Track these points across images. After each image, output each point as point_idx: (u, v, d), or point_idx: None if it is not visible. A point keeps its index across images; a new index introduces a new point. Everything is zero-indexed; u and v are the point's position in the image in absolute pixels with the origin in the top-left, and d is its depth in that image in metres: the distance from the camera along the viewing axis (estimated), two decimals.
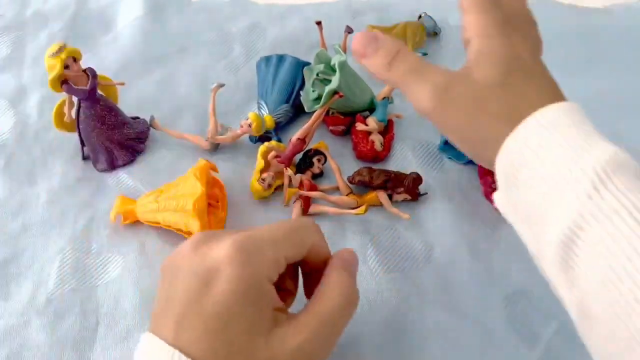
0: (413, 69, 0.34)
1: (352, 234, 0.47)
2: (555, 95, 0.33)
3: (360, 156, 0.52)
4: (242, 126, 0.51)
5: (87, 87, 0.48)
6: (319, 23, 0.55)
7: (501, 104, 0.33)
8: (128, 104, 0.55)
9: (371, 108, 0.54)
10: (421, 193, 0.49)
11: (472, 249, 0.46)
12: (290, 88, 0.54)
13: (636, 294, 0.25)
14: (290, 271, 0.35)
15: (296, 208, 0.48)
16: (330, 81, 0.50)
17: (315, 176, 0.51)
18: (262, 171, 0.49)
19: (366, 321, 0.42)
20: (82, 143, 0.52)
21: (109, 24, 0.66)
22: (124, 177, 0.51)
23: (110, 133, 0.51)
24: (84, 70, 0.48)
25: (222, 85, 0.52)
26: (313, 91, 0.52)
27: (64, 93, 0.48)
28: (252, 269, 0.31)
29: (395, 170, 0.49)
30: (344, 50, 0.55)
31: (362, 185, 0.49)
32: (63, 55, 0.46)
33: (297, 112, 0.55)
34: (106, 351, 0.41)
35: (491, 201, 0.42)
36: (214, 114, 0.52)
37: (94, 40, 0.64)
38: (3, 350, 0.41)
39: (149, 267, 0.45)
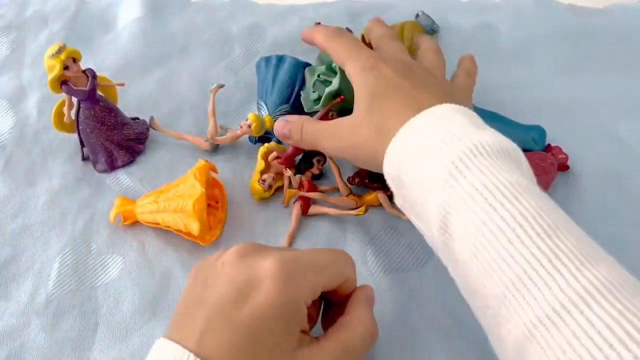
0: (313, 131, 0.44)
1: (352, 234, 0.47)
2: (421, 105, 0.38)
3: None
4: (241, 127, 0.51)
5: (87, 88, 0.48)
6: (318, 24, 0.55)
7: (370, 127, 0.39)
8: (128, 105, 0.55)
9: None
10: None
11: None
12: (290, 89, 0.54)
13: (492, 266, 0.30)
14: (316, 299, 0.36)
15: (296, 209, 0.48)
16: (330, 82, 0.50)
17: (315, 177, 0.51)
18: (262, 172, 0.49)
19: None
20: (82, 144, 0.52)
21: (108, 24, 0.66)
22: (123, 178, 0.51)
23: (109, 134, 0.51)
24: (84, 71, 0.48)
25: (221, 86, 0.52)
26: (313, 92, 0.52)
27: (63, 94, 0.48)
28: (292, 288, 0.32)
29: None
30: None
31: (361, 186, 0.49)
32: (63, 56, 0.46)
33: (297, 112, 0.55)
34: (105, 352, 0.41)
35: None
36: (213, 114, 0.52)
37: (94, 41, 0.64)
38: (3, 351, 0.41)
39: (148, 267, 0.45)
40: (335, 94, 0.49)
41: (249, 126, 0.50)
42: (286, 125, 0.45)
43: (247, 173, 0.51)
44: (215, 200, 0.49)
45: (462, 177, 0.32)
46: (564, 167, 0.50)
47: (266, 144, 0.50)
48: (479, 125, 0.36)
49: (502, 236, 0.30)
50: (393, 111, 0.39)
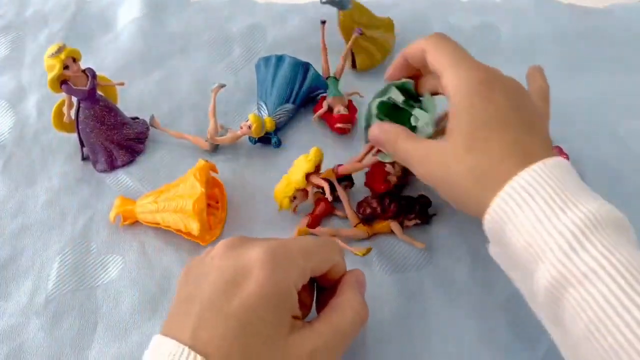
0: (405, 150, 0.39)
1: None
2: (531, 152, 0.34)
3: (370, 188, 0.49)
4: (241, 127, 0.51)
5: (87, 88, 0.48)
6: (324, 22, 0.55)
7: (468, 168, 0.35)
8: (128, 104, 0.55)
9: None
10: (431, 214, 0.47)
11: (474, 252, 0.46)
12: (290, 88, 0.54)
13: (616, 350, 0.27)
14: (307, 285, 0.36)
15: (301, 224, 0.47)
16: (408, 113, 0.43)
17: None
18: (298, 189, 0.47)
19: (368, 322, 0.42)
20: (82, 143, 0.52)
21: (108, 24, 0.65)
22: (123, 178, 0.51)
23: (109, 133, 0.51)
24: (84, 71, 0.48)
25: (223, 86, 0.52)
26: (381, 119, 0.44)
27: (63, 93, 0.48)
28: (281, 274, 0.32)
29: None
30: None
31: (372, 217, 0.47)
32: (62, 56, 0.46)
33: (297, 113, 0.55)
34: (105, 350, 0.41)
35: None
36: (214, 114, 0.51)
37: (94, 41, 0.64)
38: (2, 350, 0.41)
39: (148, 267, 0.45)
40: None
41: (249, 127, 0.50)
42: (381, 134, 0.41)
43: (247, 173, 0.51)
44: (215, 200, 0.49)
45: (583, 250, 0.29)
46: None
47: (310, 162, 0.46)
48: (585, 186, 0.33)
49: (628, 315, 0.27)
50: (498, 153, 0.34)
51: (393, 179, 0.47)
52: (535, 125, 0.36)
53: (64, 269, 0.45)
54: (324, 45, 0.56)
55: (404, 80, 0.43)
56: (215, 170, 0.49)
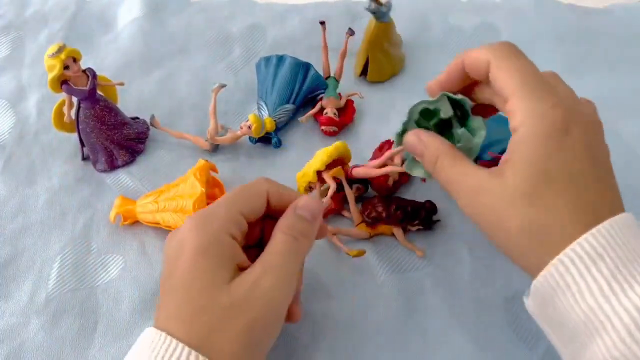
0: (445, 174, 0.34)
1: None
2: (599, 208, 0.30)
3: (371, 184, 0.49)
4: (241, 128, 0.51)
5: (87, 88, 0.48)
6: (322, 23, 0.55)
7: (523, 221, 0.30)
8: (128, 104, 0.55)
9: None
10: (435, 221, 0.47)
11: (474, 252, 0.46)
12: (290, 88, 0.54)
13: None
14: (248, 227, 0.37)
15: None
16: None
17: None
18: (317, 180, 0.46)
19: (367, 322, 0.42)
20: (82, 143, 0.52)
21: (108, 24, 0.66)
22: (123, 178, 0.51)
23: (109, 133, 0.51)
24: (84, 71, 0.48)
25: (223, 86, 0.52)
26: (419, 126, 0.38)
27: (63, 93, 0.48)
28: (207, 229, 0.33)
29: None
30: (344, 53, 0.55)
31: (377, 221, 0.46)
32: (63, 56, 0.46)
33: (302, 112, 0.55)
34: (105, 350, 0.41)
35: None
36: (214, 114, 0.52)
37: (94, 41, 0.64)
38: (3, 350, 0.41)
39: (148, 267, 0.45)
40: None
41: (249, 127, 0.50)
42: (420, 145, 0.35)
43: (247, 173, 0.51)
44: (215, 200, 0.49)
45: None
46: None
47: (321, 161, 0.45)
48: None
49: None
50: (566, 212, 0.30)
51: (395, 177, 0.48)
52: (608, 177, 0.31)
53: (64, 268, 0.45)
54: (325, 44, 0.56)
55: (461, 96, 0.36)
56: (215, 170, 0.49)
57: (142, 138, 0.53)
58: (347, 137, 0.54)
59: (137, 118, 0.55)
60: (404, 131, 0.37)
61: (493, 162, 0.44)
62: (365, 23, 0.57)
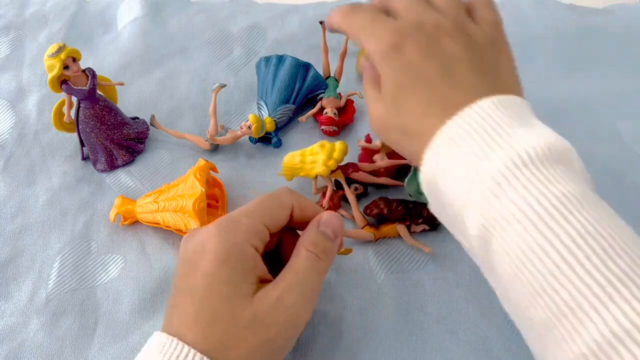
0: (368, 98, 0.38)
1: None
2: (451, 100, 0.33)
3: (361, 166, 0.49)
4: (241, 128, 0.51)
5: (87, 87, 0.48)
6: (322, 22, 0.55)
7: (398, 130, 0.35)
8: (128, 104, 0.55)
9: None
10: (439, 222, 0.47)
11: None
12: (290, 88, 0.54)
13: (537, 290, 0.28)
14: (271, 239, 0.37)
15: None
16: None
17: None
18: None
19: (367, 322, 0.42)
20: (82, 143, 0.52)
21: (108, 24, 0.66)
22: (123, 177, 0.51)
23: (109, 133, 0.51)
24: (84, 71, 0.48)
25: (224, 86, 0.52)
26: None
27: (63, 93, 0.48)
28: (230, 238, 0.33)
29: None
30: (344, 53, 0.55)
31: (379, 217, 0.46)
32: (62, 56, 0.46)
33: (302, 112, 0.55)
34: (105, 350, 0.41)
35: None
36: (214, 114, 0.52)
37: (94, 40, 0.64)
38: (2, 350, 0.41)
39: (148, 267, 0.45)
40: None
41: (249, 127, 0.50)
42: (362, 67, 0.40)
43: (247, 173, 0.51)
44: (215, 200, 0.49)
45: (503, 193, 0.29)
46: None
47: (326, 167, 0.45)
48: (525, 120, 0.32)
49: (548, 260, 0.27)
50: (420, 111, 0.34)
51: (379, 161, 0.48)
52: (457, 69, 0.34)
53: (64, 268, 0.45)
54: (325, 44, 0.56)
55: None
56: (215, 170, 0.49)
57: (142, 138, 0.53)
58: (346, 137, 0.54)
59: (137, 118, 0.55)
60: None
61: None
62: None
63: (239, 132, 0.51)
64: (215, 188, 0.49)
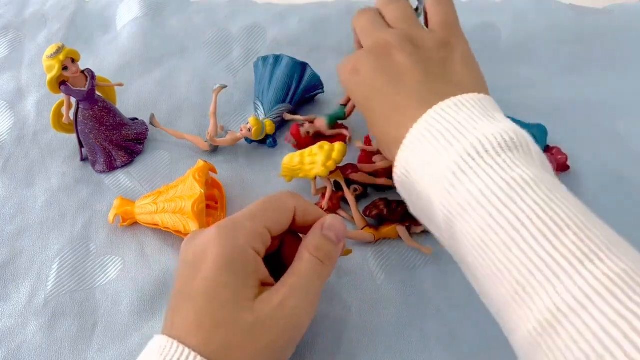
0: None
1: None
2: (406, 107, 0.36)
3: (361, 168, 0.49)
4: (241, 130, 0.50)
5: (86, 88, 0.48)
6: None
7: (378, 125, 0.38)
8: (127, 105, 0.55)
9: None
10: None
11: None
12: (287, 88, 0.54)
13: (494, 271, 0.29)
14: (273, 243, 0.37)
15: None
16: None
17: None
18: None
19: (366, 323, 0.42)
20: (81, 144, 0.52)
21: (108, 24, 0.65)
22: (122, 179, 0.51)
23: (108, 134, 0.51)
24: (83, 72, 0.48)
25: (224, 87, 0.52)
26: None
27: (62, 94, 0.48)
28: (231, 241, 0.33)
29: None
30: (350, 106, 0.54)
31: (379, 218, 0.47)
32: (61, 56, 0.45)
33: (300, 112, 0.55)
34: (104, 352, 0.41)
35: None
36: (214, 115, 0.51)
37: (93, 41, 0.63)
38: (1, 352, 0.41)
39: (147, 268, 0.45)
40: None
41: (249, 130, 0.50)
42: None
43: (246, 174, 0.51)
44: (214, 201, 0.49)
45: (459, 183, 0.31)
46: (564, 167, 0.49)
47: (325, 168, 0.45)
48: (484, 115, 0.34)
49: (499, 240, 0.29)
50: (383, 123, 0.38)
51: (378, 162, 0.48)
52: (406, 79, 0.37)
53: (62, 269, 0.45)
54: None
55: None
56: (214, 171, 0.49)
57: (141, 139, 0.53)
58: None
59: (136, 119, 0.54)
60: None
61: None
62: None
63: (238, 134, 0.51)
64: (214, 189, 0.49)
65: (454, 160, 0.32)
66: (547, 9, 0.65)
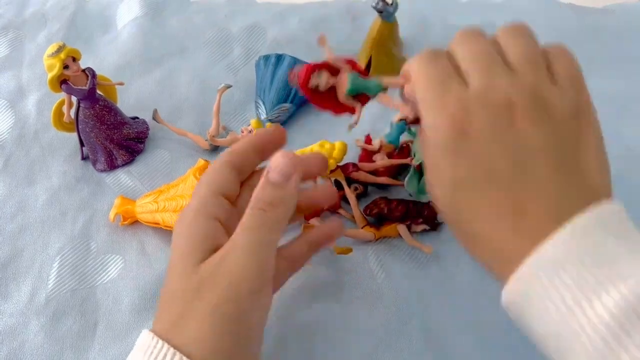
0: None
1: None
2: (529, 209, 0.26)
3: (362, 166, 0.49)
4: (242, 132, 0.50)
5: (86, 87, 0.48)
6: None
7: (453, 221, 0.29)
8: (127, 104, 0.55)
9: None
10: (440, 222, 0.46)
11: None
12: (288, 88, 0.54)
13: None
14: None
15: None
16: None
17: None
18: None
19: (367, 322, 0.42)
20: (81, 143, 0.52)
21: (108, 24, 0.65)
22: (123, 177, 0.51)
23: (109, 133, 0.51)
24: (83, 70, 0.48)
25: (229, 86, 0.52)
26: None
27: (63, 93, 0.48)
28: (183, 219, 0.33)
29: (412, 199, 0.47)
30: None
31: (379, 217, 0.46)
32: (62, 55, 0.46)
33: (295, 112, 0.55)
34: (105, 351, 0.41)
35: None
36: (217, 114, 0.51)
37: (93, 40, 0.64)
38: (2, 351, 0.41)
39: (148, 267, 0.45)
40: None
41: (250, 132, 0.50)
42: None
43: None
44: None
45: (621, 348, 0.23)
46: None
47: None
48: (629, 240, 0.25)
49: None
50: (486, 217, 0.27)
51: (379, 161, 0.48)
52: (533, 165, 0.27)
53: (63, 268, 0.45)
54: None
55: None
56: None
57: (141, 138, 0.53)
58: (346, 137, 0.54)
59: (137, 118, 0.55)
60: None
61: None
62: (365, 23, 0.57)
63: (239, 136, 0.51)
64: None
65: (613, 313, 0.23)
66: (547, 8, 0.65)
